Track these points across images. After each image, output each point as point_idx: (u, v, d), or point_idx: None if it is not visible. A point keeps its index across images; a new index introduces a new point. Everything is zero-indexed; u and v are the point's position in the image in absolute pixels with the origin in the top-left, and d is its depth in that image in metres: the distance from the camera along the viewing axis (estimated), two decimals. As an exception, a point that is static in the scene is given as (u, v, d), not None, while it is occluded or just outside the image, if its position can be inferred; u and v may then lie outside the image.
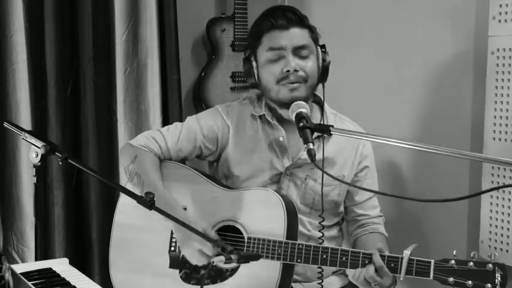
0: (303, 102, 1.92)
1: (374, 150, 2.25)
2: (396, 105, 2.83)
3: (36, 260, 1.82)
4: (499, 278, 1.75)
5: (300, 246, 1.95)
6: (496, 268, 1.76)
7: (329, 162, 2.13)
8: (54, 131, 2.76)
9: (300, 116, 1.84)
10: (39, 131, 2.70)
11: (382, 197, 2.23)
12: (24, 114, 2.70)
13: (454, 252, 1.82)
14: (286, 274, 1.99)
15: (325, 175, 2.04)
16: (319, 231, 2.09)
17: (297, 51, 2.06)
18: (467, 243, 2.59)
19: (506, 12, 2.30)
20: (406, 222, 2.80)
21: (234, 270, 2.01)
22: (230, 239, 2.05)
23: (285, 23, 2.06)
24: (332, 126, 1.78)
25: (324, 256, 1.93)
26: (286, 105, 1.98)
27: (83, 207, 2.89)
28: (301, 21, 2.09)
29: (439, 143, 1.67)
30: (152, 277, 2.09)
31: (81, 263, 2.85)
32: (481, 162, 2.39)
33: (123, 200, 2.19)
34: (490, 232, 2.42)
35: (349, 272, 2.07)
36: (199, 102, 3.23)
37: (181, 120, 2.74)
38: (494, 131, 2.36)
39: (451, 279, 1.79)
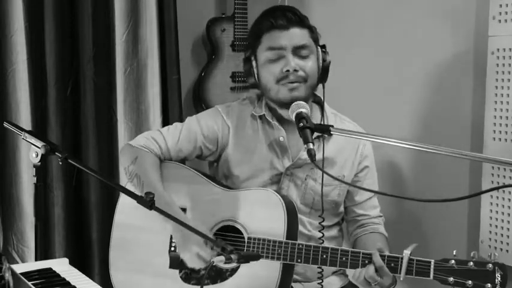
0: (303, 102, 1.92)
1: (374, 150, 2.25)
2: (396, 105, 2.83)
3: (36, 260, 1.82)
4: (499, 278, 1.75)
5: (300, 246, 1.95)
6: (496, 268, 1.76)
7: (329, 162, 2.13)
8: (54, 131, 2.76)
9: (300, 116, 1.84)
10: (39, 131, 2.70)
11: (382, 197, 2.23)
12: (24, 114, 2.70)
13: (454, 252, 1.82)
14: (286, 274, 1.99)
15: (325, 175, 2.04)
16: (319, 231, 2.09)
17: (297, 51, 2.06)
18: (467, 243, 2.59)
19: (506, 12, 2.30)
20: (406, 222, 2.80)
21: (234, 270, 2.01)
22: (230, 239, 2.05)
23: (284, 23, 2.06)
24: (332, 126, 1.78)
25: (324, 256, 1.93)
26: (286, 105, 1.98)
27: (83, 207, 2.88)
28: (301, 21, 2.09)
29: (439, 143, 1.67)
30: (152, 277, 2.09)
31: (81, 263, 2.85)
32: (481, 162, 2.39)
33: (123, 200, 2.19)
34: (490, 232, 2.42)
35: (349, 272, 2.07)
36: (199, 102, 3.23)
37: (181, 120, 2.74)
38: (494, 131, 2.36)
39: (451, 279, 1.79)
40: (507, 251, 2.36)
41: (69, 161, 1.73)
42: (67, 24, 2.79)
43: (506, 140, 2.33)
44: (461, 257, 1.82)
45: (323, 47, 2.13)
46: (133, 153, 2.15)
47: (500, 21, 2.32)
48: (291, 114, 1.89)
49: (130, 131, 2.95)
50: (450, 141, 2.45)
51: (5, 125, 1.89)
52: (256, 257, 1.61)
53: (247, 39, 2.20)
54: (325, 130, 1.79)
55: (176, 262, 2.04)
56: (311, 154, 1.72)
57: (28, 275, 1.66)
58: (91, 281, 1.67)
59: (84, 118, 2.85)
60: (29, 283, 1.59)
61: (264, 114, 2.16)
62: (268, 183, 2.14)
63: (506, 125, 2.32)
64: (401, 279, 1.86)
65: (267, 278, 1.96)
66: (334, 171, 2.13)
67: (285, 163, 2.14)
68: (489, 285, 1.75)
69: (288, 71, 2.04)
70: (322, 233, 2.07)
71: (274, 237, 1.97)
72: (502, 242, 2.38)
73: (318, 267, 2.05)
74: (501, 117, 2.34)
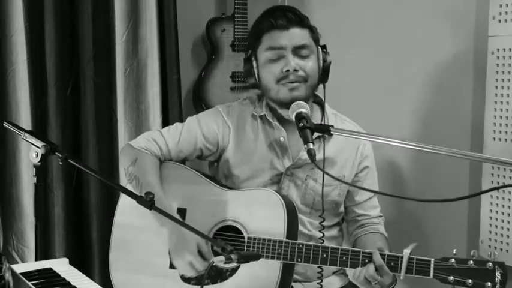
0: (303, 102, 1.92)
1: (374, 150, 2.25)
2: (396, 105, 2.83)
3: (36, 260, 1.82)
4: (499, 277, 1.75)
5: (300, 245, 1.95)
6: (496, 267, 1.76)
7: (329, 162, 2.13)
8: (54, 131, 2.76)
9: (300, 116, 1.84)
10: (39, 131, 2.70)
11: (382, 197, 2.23)
12: (24, 114, 2.70)
13: (454, 251, 1.82)
14: (287, 274, 1.99)
15: (325, 175, 2.04)
16: (319, 231, 2.09)
17: (297, 51, 2.06)
18: (467, 243, 2.59)
19: (506, 12, 2.30)
20: (406, 222, 2.80)
21: (234, 270, 2.01)
22: (230, 239, 2.05)
23: (284, 23, 2.06)
24: (332, 126, 1.78)
25: (324, 255, 1.93)
26: (287, 105, 1.98)
27: (83, 207, 2.88)
28: (301, 21, 2.08)
29: (439, 143, 1.67)
30: (152, 277, 2.09)
31: (81, 263, 2.85)
32: (481, 162, 2.39)
33: (123, 200, 2.19)
34: (490, 232, 2.42)
35: (349, 271, 2.07)
36: (199, 102, 3.23)
37: (182, 120, 2.74)
38: (494, 131, 2.36)
39: (451, 277, 1.79)
40: (507, 251, 2.36)
41: (69, 161, 1.73)
42: (67, 24, 2.79)
43: (506, 140, 2.33)
44: (461, 256, 1.81)
45: (323, 47, 2.12)
46: (133, 155, 2.15)
47: (500, 21, 2.32)
48: (291, 114, 1.89)
49: (131, 131, 2.95)
50: (450, 141, 2.45)
51: (5, 125, 1.89)
52: (256, 257, 1.61)
53: (248, 39, 2.20)
54: (325, 130, 1.79)
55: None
56: (311, 154, 1.72)
57: (28, 275, 1.66)
58: (91, 281, 1.67)
59: (84, 118, 2.85)
60: (29, 283, 1.59)
61: (265, 114, 2.16)
62: (269, 183, 2.14)
63: (506, 125, 2.32)
64: (401, 278, 1.86)
65: (267, 277, 1.96)
66: (335, 171, 2.13)
67: (285, 163, 2.14)
68: (489, 284, 1.75)
69: (288, 71, 2.04)
70: (323, 233, 2.07)
71: (274, 237, 1.97)
72: (502, 242, 2.38)
73: (317, 267, 2.05)
74: (501, 117, 2.34)
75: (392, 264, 1.86)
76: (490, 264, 1.76)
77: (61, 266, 1.76)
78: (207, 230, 2.06)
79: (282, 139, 2.14)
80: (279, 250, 1.96)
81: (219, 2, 3.38)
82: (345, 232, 2.31)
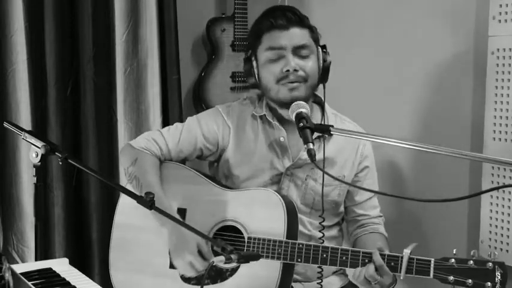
0: (303, 102, 1.92)
1: (374, 150, 2.25)
2: (396, 105, 2.83)
3: (36, 260, 1.82)
4: (499, 277, 1.75)
5: (300, 245, 1.95)
6: (496, 267, 1.76)
7: (329, 162, 2.13)
8: (54, 131, 2.76)
9: (300, 116, 1.84)
10: (39, 131, 2.70)
11: (382, 197, 2.23)
12: (24, 114, 2.70)
13: (454, 251, 1.82)
14: (287, 274, 1.99)
15: (325, 175, 2.04)
16: (319, 231, 2.09)
17: (297, 51, 2.06)
18: (467, 243, 2.59)
19: (506, 12, 2.30)
20: (406, 222, 2.80)
21: (234, 270, 2.01)
22: (230, 239, 2.05)
23: (284, 22, 2.06)
24: (332, 126, 1.78)
25: (324, 255, 1.93)
26: (287, 105, 1.98)
27: (83, 207, 2.88)
28: (301, 21, 2.08)
29: (439, 143, 1.67)
30: (152, 277, 2.09)
31: (81, 263, 2.85)
32: (481, 162, 2.39)
33: (123, 200, 2.19)
34: (490, 232, 2.42)
35: (349, 271, 2.07)
36: (199, 102, 3.23)
37: (182, 120, 2.74)
38: (494, 131, 2.36)
39: (451, 277, 1.79)
40: (507, 251, 2.36)
41: (69, 161, 1.73)
42: (67, 24, 2.79)
43: (506, 140, 2.33)
44: (461, 256, 1.81)
45: (324, 47, 2.12)
46: (133, 155, 2.15)
47: (500, 21, 2.32)
48: (291, 114, 1.89)
49: (131, 131, 2.95)
50: (450, 141, 2.45)
51: (5, 125, 1.89)
52: (256, 257, 1.61)
53: (248, 39, 2.20)
54: (325, 130, 1.79)
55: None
56: (311, 154, 1.72)
57: (28, 275, 1.66)
58: (91, 281, 1.67)
59: (84, 118, 2.85)
60: (29, 283, 1.59)
61: (265, 114, 2.16)
62: (269, 183, 2.14)
63: (506, 125, 2.32)
64: (401, 278, 1.86)
65: (267, 277, 1.96)
66: (335, 171, 2.13)
67: (285, 163, 2.14)
68: (489, 283, 1.75)
69: (288, 70, 2.04)
70: (323, 233, 2.07)
71: (274, 237, 1.97)
72: (502, 242, 2.38)
73: (317, 267, 2.05)
74: (501, 117, 2.34)
75: (392, 264, 1.86)
76: (490, 264, 1.76)
77: (61, 266, 1.76)
78: (207, 230, 2.06)
79: (282, 139, 2.14)
80: (279, 250, 1.96)
81: (219, 2, 3.38)
82: (345, 232, 2.31)
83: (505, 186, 2.33)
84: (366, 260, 1.90)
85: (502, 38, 2.33)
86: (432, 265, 1.81)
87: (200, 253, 1.94)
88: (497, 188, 2.33)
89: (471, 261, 1.78)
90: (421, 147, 1.63)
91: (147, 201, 1.64)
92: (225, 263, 1.55)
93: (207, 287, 2.01)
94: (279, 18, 2.07)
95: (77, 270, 1.75)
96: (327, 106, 2.19)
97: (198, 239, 1.94)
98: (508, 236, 2.35)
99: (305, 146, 1.75)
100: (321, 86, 2.13)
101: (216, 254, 1.95)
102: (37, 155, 1.74)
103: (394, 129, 2.76)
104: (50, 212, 2.77)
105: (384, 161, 2.70)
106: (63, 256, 2.72)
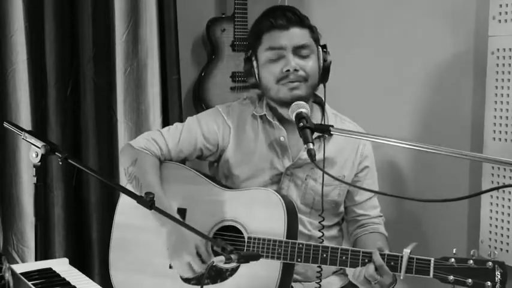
0: (303, 102, 1.92)
1: (374, 150, 2.25)
2: (396, 105, 2.83)
3: (36, 260, 1.82)
4: (499, 276, 1.75)
5: (300, 245, 1.95)
6: (496, 266, 1.75)
7: (329, 162, 2.13)
8: (54, 131, 2.76)
9: (300, 116, 1.84)
10: (39, 131, 2.70)
11: (382, 197, 2.23)
12: (24, 114, 2.70)
13: (454, 250, 1.82)
14: (287, 274, 1.98)
15: (325, 175, 2.04)
16: (319, 231, 2.09)
17: (297, 50, 2.06)
18: (467, 243, 2.59)
19: (506, 12, 2.30)
20: (406, 222, 2.80)
21: (234, 270, 2.01)
22: (230, 239, 2.05)
23: (284, 22, 2.06)
24: (332, 126, 1.78)
25: (324, 255, 1.93)
26: (287, 104, 1.98)
27: (83, 207, 2.89)
28: (301, 21, 2.08)
29: (439, 143, 1.67)
30: (152, 277, 2.09)
31: (81, 263, 2.85)
32: (481, 162, 2.39)
33: (123, 200, 2.19)
34: (490, 232, 2.41)
35: (349, 271, 2.07)
36: (199, 102, 3.23)
37: (182, 120, 2.74)
38: (494, 131, 2.36)
39: (451, 277, 1.79)
40: (507, 251, 2.36)
41: (69, 161, 1.73)
42: (67, 24, 2.79)
43: (506, 140, 2.33)
44: (461, 256, 1.81)
45: (324, 47, 2.12)
46: (133, 155, 2.15)
47: (500, 21, 2.32)
48: (291, 114, 1.89)
49: (131, 131, 2.95)
50: (450, 141, 2.45)
51: (5, 125, 1.89)
52: (256, 257, 1.61)
53: (248, 39, 2.20)
54: (325, 130, 1.79)
55: None
56: (311, 154, 1.72)
57: (28, 275, 1.66)
58: (91, 281, 1.67)
59: (84, 118, 2.86)
60: (29, 283, 1.59)
61: (265, 114, 2.16)
62: (269, 183, 2.14)
63: (506, 125, 2.32)
64: (401, 277, 1.86)
65: (267, 277, 1.96)
66: (335, 171, 2.13)
67: (285, 163, 2.14)
68: (489, 283, 1.75)
69: (288, 70, 2.04)
70: (322, 233, 2.07)
71: (274, 237, 1.97)
72: (502, 242, 2.38)
73: (317, 267, 2.05)
74: (501, 117, 2.34)
75: (392, 263, 1.86)
76: (490, 263, 1.76)
77: (61, 266, 1.76)
78: (207, 230, 2.06)
79: (282, 139, 2.14)
80: (279, 250, 1.96)
81: (219, 2, 3.38)
82: (345, 232, 2.31)
83: (505, 186, 2.33)
84: (366, 260, 1.90)
85: (502, 38, 2.33)
86: (432, 265, 1.81)
87: (198, 254, 1.94)
88: (497, 188, 2.33)
89: (471, 261, 1.78)
90: (421, 147, 1.63)
91: (147, 201, 1.64)
92: (225, 263, 1.55)
93: (207, 287, 2.01)
94: (279, 18, 2.07)
95: (77, 270, 1.75)
96: (327, 106, 2.19)
97: (197, 240, 1.94)
98: (508, 236, 2.35)
99: (305, 146, 1.75)
100: (321, 86, 2.13)
101: (216, 254, 1.95)
102: (37, 155, 1.74)
103: (394, 129, 2.76)
104: (50, 212, 2.77)
105: (383, 161, 2.70)
106: (63, 256, 2.72)
